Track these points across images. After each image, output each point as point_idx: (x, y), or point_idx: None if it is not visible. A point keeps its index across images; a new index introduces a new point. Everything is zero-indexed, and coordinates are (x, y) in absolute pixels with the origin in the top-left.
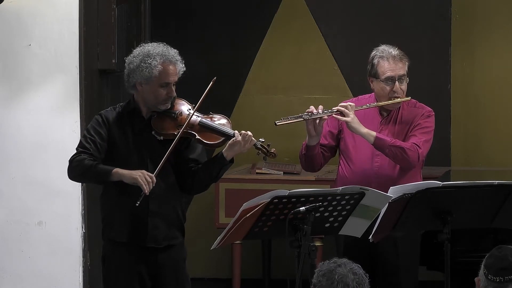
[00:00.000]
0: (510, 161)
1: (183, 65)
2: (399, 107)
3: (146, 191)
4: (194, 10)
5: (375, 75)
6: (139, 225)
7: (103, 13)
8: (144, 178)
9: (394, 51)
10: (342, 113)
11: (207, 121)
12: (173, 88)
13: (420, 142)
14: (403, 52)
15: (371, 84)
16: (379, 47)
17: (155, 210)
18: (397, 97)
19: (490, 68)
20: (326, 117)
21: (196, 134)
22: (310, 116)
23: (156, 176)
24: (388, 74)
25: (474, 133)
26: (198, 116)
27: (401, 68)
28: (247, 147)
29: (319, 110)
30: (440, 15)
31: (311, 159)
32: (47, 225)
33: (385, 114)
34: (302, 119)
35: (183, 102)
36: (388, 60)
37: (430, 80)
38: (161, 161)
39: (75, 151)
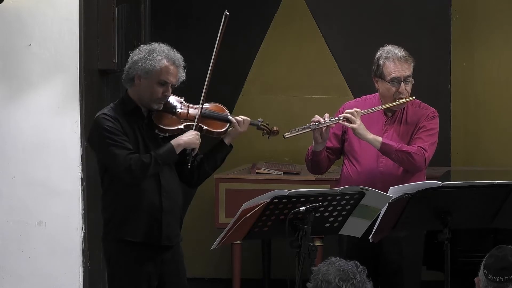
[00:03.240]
0: (510, 161)
1: (185, 74)
2: (404, 107)
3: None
4: (194, 10)
5: (381, 76)
6: (154, 223)
7: (103, 13)
8: (197, 139)
9: (400, 52)
10: (348, 120)
11: (208, 111)
12: (170, 90)
13: (426, 145)
14: (408, 53)
15: (376, 84)
16: (384, 48)
17: (167, 208)
18: (401, 98)
19: (490, 68)
20: (333, 125)
21: (203, 126)
22: (317, 126)
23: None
24: (394, 75)
25: (474, 133)
26: (197, 108)
27: (407, 69)
28: (243, 130)
29: (326, 119)
30: (440, 15)
31: (317, 164)
32: (47, 225)
33: (389, 114)
34: (310, 130)
35: (172, 96)
36: (394, 61)
37: (430, 80)
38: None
39: (116, 155)
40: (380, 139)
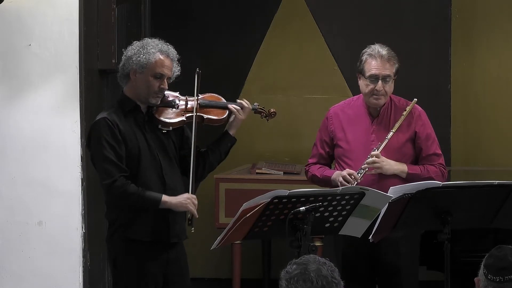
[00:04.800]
0: (510, 161)
1: (179, 68)
2: (387, 108)
3: (197, 215)
4: (194, 10)
5: (361, 72)
6: (161, 222)
7: (103, 13)
8: (192, 203)
9: (384, 50)
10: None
11: (206, 100)
12: (166, 83)
13: (442, 159)
14: (393, 53)
15: (359, 81)
16: (371, 45)
17: None
18: (377, 96)
19: (490, 68)
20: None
21: (204, 115)
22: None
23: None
24: (373, 72)
25: (474, 133)
26: (193, 100)
27: (387, 69)
28: (244, 117)
29: (355, 180)
30: (440, 15)
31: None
32: (47, 225)
33: (374, 114)
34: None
35: (168, 92)
36: (376, 59)
37: (430, 80)
38: (191, 159)
39: (105, 169)
40: (405, 169)
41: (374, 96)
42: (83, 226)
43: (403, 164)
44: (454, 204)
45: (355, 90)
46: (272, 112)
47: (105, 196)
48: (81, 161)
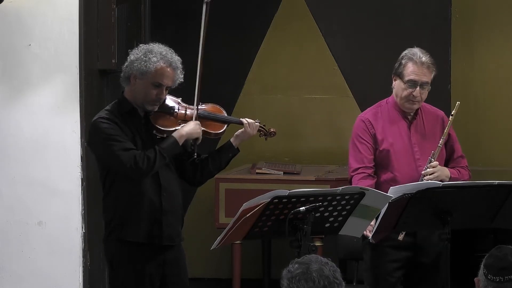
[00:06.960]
0: (510, 161)
1: (182, 76)
2: (419, 112)
3: (200, 140)
4: (194, 10)
5: (400, 75)
6: (155, 224)
7: (103, 13)
8: (200, 128)
9: (425, 57)
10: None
11: (205, 112)
12: (165, 92)
13: (466, 161)
14: (433, 61)
15: (394, 82)
16: (412, 49)
17: (167, 208)
18: (413, 101)
19: (490, 68)
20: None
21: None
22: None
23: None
24: (412, 77)
25: (474, 133)
26: (194, 109)
27: (426, 76)
28: (253, 133)
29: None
30: (440, 15)
31: None
32: (47, 225)
33: (409, 117)
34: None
35: (169, 96)
36: (416, 64)
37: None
38: (196, 87)
39: (123, 156)
40: (449, 173)
41: (410, 101)
42: (83, 226)
43: (446, 169)
44: (454, 204)
45: (355, 90)
46: (272, 131)
47: (137, 176)
48: (81, 161)
